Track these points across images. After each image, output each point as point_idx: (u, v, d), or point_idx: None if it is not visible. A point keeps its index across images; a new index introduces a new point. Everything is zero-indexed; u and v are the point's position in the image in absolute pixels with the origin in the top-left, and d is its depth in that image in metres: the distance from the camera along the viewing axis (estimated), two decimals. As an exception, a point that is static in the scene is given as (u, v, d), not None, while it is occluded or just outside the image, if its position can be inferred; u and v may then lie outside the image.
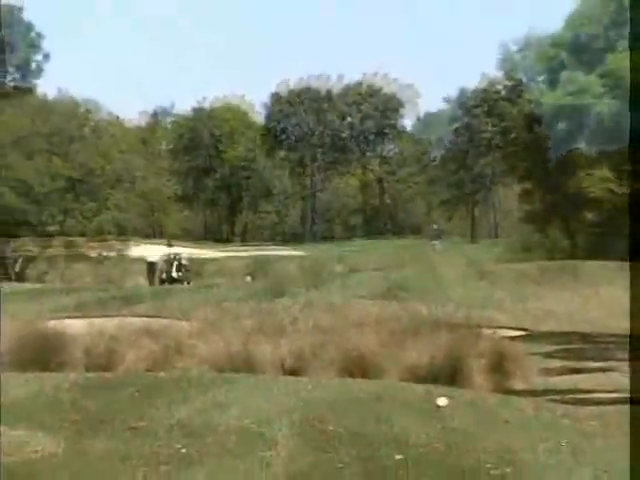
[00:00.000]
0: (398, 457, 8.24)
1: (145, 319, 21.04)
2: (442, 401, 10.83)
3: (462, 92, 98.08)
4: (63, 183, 57.22)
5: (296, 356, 16.33)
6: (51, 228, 56.83)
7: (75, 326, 18.71)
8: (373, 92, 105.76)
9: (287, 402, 10.59)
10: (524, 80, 60.11)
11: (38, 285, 44.81)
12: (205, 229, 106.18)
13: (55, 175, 56.76)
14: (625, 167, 52.80)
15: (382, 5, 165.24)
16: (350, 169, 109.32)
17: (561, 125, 54.24)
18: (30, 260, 57.67)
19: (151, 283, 44.49)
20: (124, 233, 61.06)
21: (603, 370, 18.15)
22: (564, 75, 54.70)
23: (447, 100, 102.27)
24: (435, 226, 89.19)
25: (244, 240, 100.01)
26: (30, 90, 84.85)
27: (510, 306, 30.16)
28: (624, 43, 53.74)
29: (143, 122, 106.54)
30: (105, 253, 59.35)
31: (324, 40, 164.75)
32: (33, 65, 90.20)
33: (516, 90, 59.75)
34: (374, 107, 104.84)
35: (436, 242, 75.25)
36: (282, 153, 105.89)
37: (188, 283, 43.99)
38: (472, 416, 10.35)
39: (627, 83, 51.52)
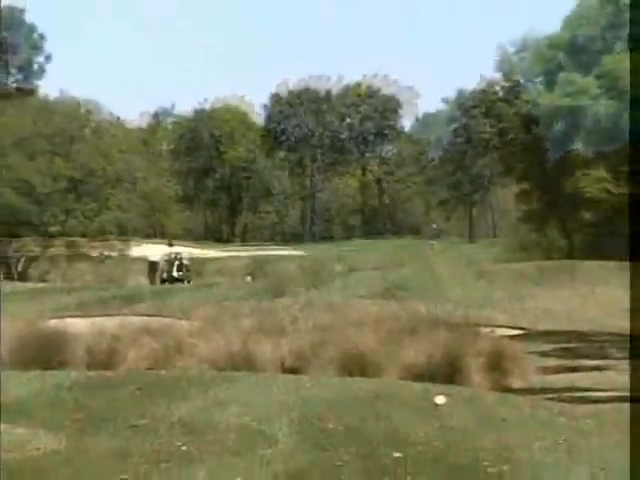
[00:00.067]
0: (397, 455, 8.26)
1: (146, 318, 21.06)
2: (440, 399, 10.85)
3: (460, 93, 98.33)
4: (65, 183, 57.43)
5: (296, 355, 16.46)
6: (53, 228, 56.99)
7: (77, 325, 18.78)
8: (372, 93, 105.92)
9: (287, 400, 10.61)
10: (522, 81, 60.25)
11: (40, 284, 44.67)
12: (205, 229, 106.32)
13: (57, 175, 56.98)
14: (621, 167, 53.10)
15: (382, 6, 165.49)
16: (349, 170, 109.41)
17: (558, 126, 54.45)
18: (32, 260, 57.89)
19: (152, 282, 44.65)
20: (125, 233, 61.19)
21: (600, 369, 18.36)
22: (561, 76, 54.87)
23: (445, 101, 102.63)
24: (434, 226, 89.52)
25: (244, 240, 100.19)
26: (32, 91, 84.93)
27: (508, 305, 30.37)
28: (621, 45, 54.01)
29: (144, 123, 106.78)
30: (106, 253, 59.43)
31: (324, 41, 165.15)
32: (35, 66, 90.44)
33: (514, 91, 59.95)
34: (373, 108, 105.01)
35: (435, 242, 75.55)
36: (282, 154, 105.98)
37: (189, 282, 44.11)
38: (470, 414, 10.38)
39: (624, 84, 51.78)
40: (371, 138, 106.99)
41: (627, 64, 51.17)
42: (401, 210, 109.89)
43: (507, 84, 61.68)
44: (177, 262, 44.96)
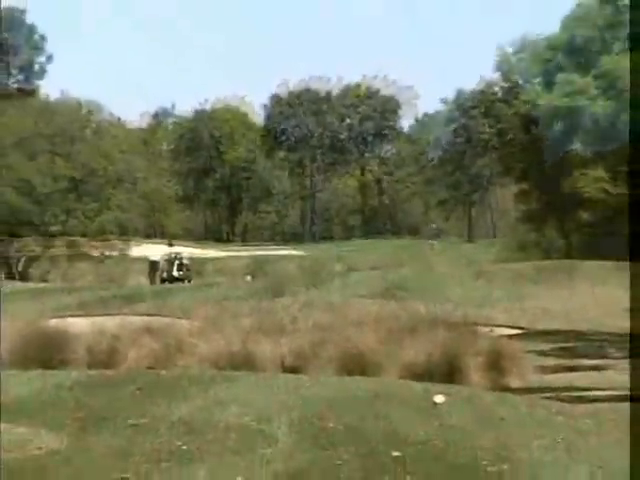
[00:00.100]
0: (396, 454, 8.26)
1: (146, 318, 21.21)
2: (439, 398, 10.84)
3: (459, 93, 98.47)
4: (65, 183, 57.59)
5: (296, 354, 16.61)
6: (54, 228, 57.15)
7: (77, 325, 18.89)
8: (372, 94, 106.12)
9: (287, 400, 10.61)
10: (520, 82, 60.25)
11: (41, 284, 44.91)
12: (206, 229, 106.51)
13: (57, 175, 57.14)
14: (620, 167, 53.24)
15: (381, 7, 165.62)
16: (349, 170, 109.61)
17: (557, 126, 54.52)
18: (33, 260, 58.05)
19: (152, 282, 44.85)
20: (126, 233, 61.31)
21: (598, 368, 18.59)
22: (560, 77, 54.89)
23: (444, 101, 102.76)
24: (434, 226, 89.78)
25: (244, 240, 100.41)
26: (33, 91, 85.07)
27: (507, 305, 30.59)
28: (619, 45, 54.11)
29: (144, 123, 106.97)
30: (107, 253, 59.50)
31: (324, 42, 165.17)
32: (36, 67, 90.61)
33: (513, 92, 59.88)
34: (373, 109, 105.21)
35: (435, 242, 75.73)
36: (282, 154, 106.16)
37: (189, 282, 44.31)
38: (469, 413, 10.39)
39: (622, 85, 51.89)
40: (370, 138, 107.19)
41: (625, 64, 51.24)
42: (400, 210, 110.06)
43: (506, 84, 61.66)
44: (177, 262, 45.14)
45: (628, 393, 14.49)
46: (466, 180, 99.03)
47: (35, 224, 56.44)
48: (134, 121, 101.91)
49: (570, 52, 55.80)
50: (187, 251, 51.05)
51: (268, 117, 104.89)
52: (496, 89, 71.68)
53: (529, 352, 18.76)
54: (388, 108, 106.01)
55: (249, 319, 19.94)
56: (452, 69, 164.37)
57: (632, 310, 27.66)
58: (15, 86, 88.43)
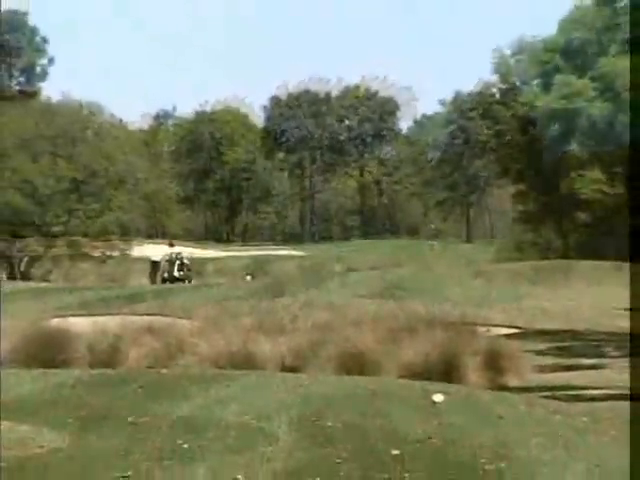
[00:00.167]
0: (395, 452, 8.28)
1: (147, 317, 21.35)
2: (438, 397, 10.83)
3: (457, 95, 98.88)
4: (67, 184, 57.72)
5: (295, 353, 16.82)
6: (55, 228, 57.25)
7: (79, 324, 19.05)
8: (370, 95, 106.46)
9: (286, 399, 10.62)
10: (518, 84, 60.49)
11: (43, 284, 44.88)
12: (206, 229, 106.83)
13: (59, 177, 57.28)
14: (616, 169, 53.63)
15: (380, 9, 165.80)
16: (348, 171, 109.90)
17: (554, 128, 54.76)
18: (35, 260, 58.26)
19: (153, 282, 45.00)
20: (127, 233, 61.38)
21: (595, 367, 18.87)
22: (557, 79, 55.12)
23: (443, 103, 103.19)
24: (433, 226, 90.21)
25: (244, 240, 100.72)
26: (35, 93, 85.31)
27: (505, 305, 30.63)
28: (616, 47, 54.38)
29: (145, 125, 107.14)
30: (108, 253, 59.50)
31: (323, 44, 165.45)
32: (38, 69, 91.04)
33: (510, 93, 60.10)
34: (372, 110, 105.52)
35: (433, 242, 76.11)
36: (281, 155, 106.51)
37: (190, 282, 44.44)
38: (467, 412, 10.41)
39: (619, 86, 52.20)
40: (369, 140, 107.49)
41: (622, 66, 51.53)
42: (399, 211, 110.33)
43: (504, 86, 61.86)
44: (178, 262, 45.15)
45: (624, 392, 14.70)
46: (464, 181, 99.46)
47: (37, 224, 56.57)
48: (135, 122, 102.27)
49: (567, 54, 56.05)
50: (188, 251, 51.11)
51: (268, 118, 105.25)
52: (494, 91, 71.81)
53: (527, 351, 18.89)
54: (387, 109, 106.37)
55: (249, 319, 20.06)
56: (450, 71, 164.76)
57: (627, 309, 27.91)
58: (17, 88, 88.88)
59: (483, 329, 20.01)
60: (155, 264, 46.31)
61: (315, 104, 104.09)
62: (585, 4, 57.61)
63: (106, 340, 17.67)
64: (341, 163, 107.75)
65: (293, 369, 16.06)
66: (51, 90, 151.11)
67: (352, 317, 20.97)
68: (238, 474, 7.53)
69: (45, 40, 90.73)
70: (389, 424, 9.46)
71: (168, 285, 42.34)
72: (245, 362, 16.14)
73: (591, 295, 33.61)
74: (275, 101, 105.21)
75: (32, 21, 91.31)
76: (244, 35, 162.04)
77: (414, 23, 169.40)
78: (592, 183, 53.21)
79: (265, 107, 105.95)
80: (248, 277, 52.45)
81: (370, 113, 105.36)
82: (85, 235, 58.38)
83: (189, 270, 45.79)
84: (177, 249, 47.69)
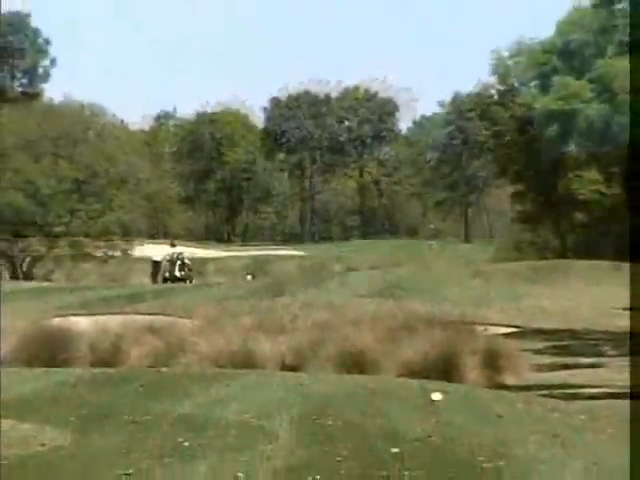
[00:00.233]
0: (394, 450, 8.30)
1: (149, 317, 21.52)
2: (437, 396, 10.85)
3: (456, 96, 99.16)
4: (69, 185, 58.01)
5: (295, 352, 17.06)
6: (57, 228, 57.50)
7: (80, 323, 19.38)
8: (370, 96, 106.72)
9: (286, 397, 10.65)
10: (516, 85, 60.70)
11: (45, 284, 45.14)
12: (207, 229, 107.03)
13: (61, 177, 57.58)
14: (613, 169, 53.90)
15: (380, 11, 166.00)
16: (348, 171, 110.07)
17: (552, 128, 54.94)
18: (37, 259, 58.57)
19: (154, 282, 45.15)
20: (128, 233, 61.60)
21: (593, 366, 19.09)
22: (555, 80, 55.29)
23: (442, 104, 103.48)
24: (432, 226, 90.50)
25: (245, 240, 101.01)
26: (37, 95, 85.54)
27: (503, 304, 30.76)
28: (613, 49, 54.62)
29: (147, 125, 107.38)
30: (110, 253, 59.69)
31: (323, 45, 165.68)
32: (40, 70, 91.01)
33: (509, 95, 60.30)
34: (371, 111, 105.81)
35: (432, 242, 76.38)
36: (281, 156, 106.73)
37: (190, 282, 44.57)
38: (466, 410, 10.45)
39: (616, 88, 52.45)
40: (369, 140, 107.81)
41: (619, 68, 51.77)
42: (399, 211, 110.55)
43: (502, 87, 62.07)
44: (179, 262, 45.22)
45: (622, 390, 14.91)
46: (463, 181, 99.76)
47: (39, 225, 56.84)
48: (136, 123, 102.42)
49: (565, 56, 56.23)
50: (189, 251, 51.16)
51: (268, 119, 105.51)
52: (492, 92, 72.12)
53: (525, 350, 19.07)
54: (386, 110, 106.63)
55: (249, 318, 20.24)
56: (449, 72, 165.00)
57: (625, 309, 28.06)
58: (19, 89, 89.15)
59: (481, 328, 20.12)
60: (156, 264, 46.41)
61: (315, 105, 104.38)
62: (583, 6, 57.88)
63: (107, 339, 17.86)
64: (341, 164, 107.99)
65: (293, 368, 16.19)
66: (53, 91, 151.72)
67: (352, 316, 21.08)
68: (239, 472, 7.56)
69: (47, 42, 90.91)
70: (388, 422, 9.50)
71: (169, 285, 42.46)
72: (245, 361, 16.29)
73: (589, 295, 33.69)
74: (275, 102, 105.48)
75: (34, 22, 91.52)
76: (244, 36, 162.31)
77: (413, 25, 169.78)
78: (590, 183, 53.38)
79: (265, 108, 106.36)
80: (248, 277, 52.78)
81: (369, 114, 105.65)
82: (87, 235, 58.61)
83: (190, 270, 45.89)
84: (178, 249, 47.73)
